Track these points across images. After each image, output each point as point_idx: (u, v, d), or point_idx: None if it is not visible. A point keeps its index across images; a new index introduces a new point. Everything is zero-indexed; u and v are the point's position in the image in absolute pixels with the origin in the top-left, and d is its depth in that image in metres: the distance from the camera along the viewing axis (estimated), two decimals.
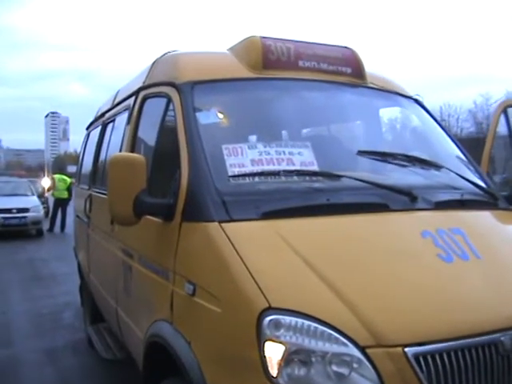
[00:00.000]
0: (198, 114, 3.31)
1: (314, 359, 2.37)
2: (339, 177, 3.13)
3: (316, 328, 2.40)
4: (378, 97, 4.11)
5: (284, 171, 3.10)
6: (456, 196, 3.35)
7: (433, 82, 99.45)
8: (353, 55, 4.09)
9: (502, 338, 2.58)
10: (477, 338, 2.53)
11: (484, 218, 3.40)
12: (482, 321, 2.60)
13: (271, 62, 3.74)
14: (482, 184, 3.70)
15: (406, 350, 2.39)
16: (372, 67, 4.23)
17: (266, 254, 2.65)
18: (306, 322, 2.41)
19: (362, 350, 2.38)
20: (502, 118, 5.08)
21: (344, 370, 2.37)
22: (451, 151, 4.02)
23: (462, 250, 2.87)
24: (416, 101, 4.32)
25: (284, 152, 3.24)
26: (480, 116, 67.87)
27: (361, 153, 3.47)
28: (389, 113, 4.31)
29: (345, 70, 3.98)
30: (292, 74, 3.77)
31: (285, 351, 2.36)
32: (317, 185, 3.07)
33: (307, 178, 3.14)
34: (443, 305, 2.60)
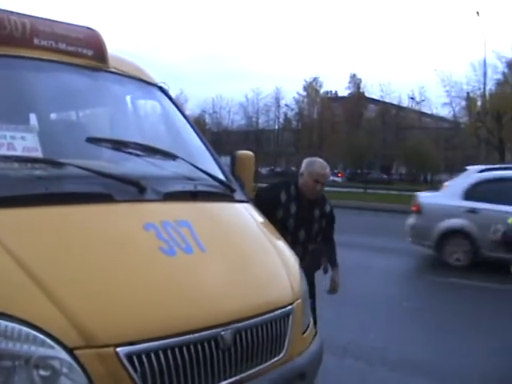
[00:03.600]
0: None
1: (17, 363, 2.17)
2: (62, 165, 2.91)
3: (20, 330, 2.19)
4: (119, 82, 3.93)
5: (1, 157, 2.82)
6: (189, 187, 3.30)
7: (207, 74, 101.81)
8: (96, 37, 3.85)
9: (223, 333, 2.59)
10: (195, 334, 2.50)
11: (214, 210, 3.41)
12: (201, 316, 2.58)
13: (2, 37, 3.41)
14: (221, 176, 3.70)
15: (118, 349, 2.28)
16: (116, 51, 4.05)
17: None
18: (10, 324, 2.19)
19: (71, 351, 2.22)
20: None
21: (51, 375, 2.19)
22: (192, 142, 3.98)
23: (187, 243, 2.83)
24: (161, 88, 4.23)
25: (5, 136, 2.95)
26: (250, 110, 71.24)
27: (93, 140, 3.27)
28: (130, 99, 4.15)
29: (86, 52, 3.74)
30: (26, 52, 3.47)
31: None
32: (37, 172, 2.83)
33: (28, 165, 2.89)
34: (159, 301, 2.53)
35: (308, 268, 4.03)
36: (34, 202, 2.66)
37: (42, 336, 2.21)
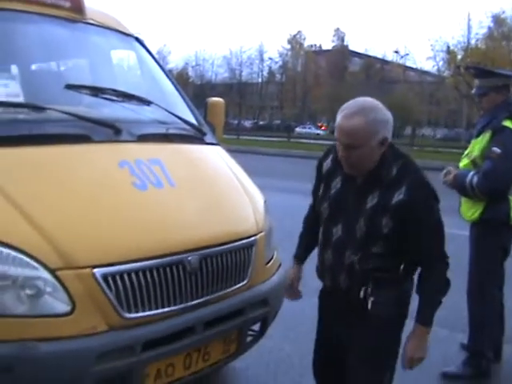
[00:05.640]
0: None
1: (5, 283, 2.45)
2: (43, 109, 3.15)
3: (8, 253, 2.47)
4: (96, 33, 4.12)
5: None
6: (161, 130, 3.56)
7: (190, 27, 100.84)
8: None
9: (190, 258, 2.88)
10: (164, 259, 2.79)
11: (185, 151, 3.67)
12: (170, 242, 2.87)
13: None
14: (192, 120, 3.95)
15: (95, 270, 2.57)
16: (93, 2, 4.22)
17: None
18: None
19: (53, 272, 2.51)
20: None
21: (36, 293, 2.48)
22: (166, 89, 4.22)
23: (158, 178, 3.10)
24: (137, 39, 4.42)
25: None
26: (234, 63, 70.71)
27: (71, 87, 3.50)
28: (107, 49, 4.35)
29: (63, 4, 3.89)
30: (5, 4, 3.64)
31: None
32: (21, 116, 3.07)
33: (11, 109, 3.11)
34: (133, 228, 2.82)
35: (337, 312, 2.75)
36: (17, 143, 2.91)
37: (26, 259, 2.49)
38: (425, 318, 2.59)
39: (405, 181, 2.52)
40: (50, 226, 2.61)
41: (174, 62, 65.30)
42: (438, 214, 2.58)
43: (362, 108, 2.48)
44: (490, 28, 45.35)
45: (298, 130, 61.34)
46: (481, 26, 44.74)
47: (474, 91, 4.39)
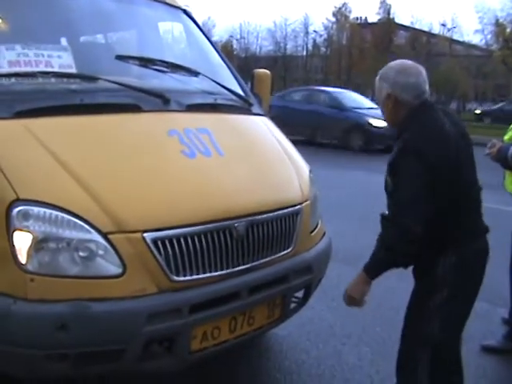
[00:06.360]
0: None
1: (60, 246, 2.57)
2: (95, 79, 3.24)
3: (63, 217, 2.59)
4: (145, 5, 4.21)
5: (40, 73, 3.13)
6: (209, 100, 3.63)
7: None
8: None
9: (237, 225, 2.95)
10: (212, 225, 2.87)
11: (233, 121, 3.72)
12: (218, 209, 2.95)
13: None
14: (239, 91, 4.01)
15: (145, 235, 2.67)
16: None
17: (14, 149, 2.74)
18: (54, 212, 2.58)
19: (105, 236, 2.62)
20: None
21: (89, 255, 2.60)
22: (214, 61, 4.27)
23: (206, 147, 3.17)
24: (185, 11, 4.48)
25: (43, 54, 3.26)
26: (278, 36, 70.14)
27: (121, 58, 3.59)
28: (156, 21, 4.42)
29: None
30: None
31: (33, 239, 2.54)
32: (73, 86, 3.16)
33: (65, 80, 3.21)
34: (181, 194, 2.91)
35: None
36: (70, 112, 3.02)
37: (80, 222, 2.61)
38: (365, 265, 2.73)
39: (398, 143, 2.68)
40: (103, 191, 2.71)
41: (219, 35, 64.96)
42: (407, 180, 2.61)
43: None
44: None
45: None
46: None
47: None
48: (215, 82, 3.81)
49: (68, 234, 2.59)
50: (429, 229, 2.58)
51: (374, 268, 2.71)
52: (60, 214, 2.59)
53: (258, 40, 72.22)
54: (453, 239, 2.72)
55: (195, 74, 3.79)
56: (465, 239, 2.73)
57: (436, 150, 2.61)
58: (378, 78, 2.84)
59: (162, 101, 3.30)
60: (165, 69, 3.67)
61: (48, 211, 2.58)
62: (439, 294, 2.71)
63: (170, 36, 4.77)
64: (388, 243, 2.65)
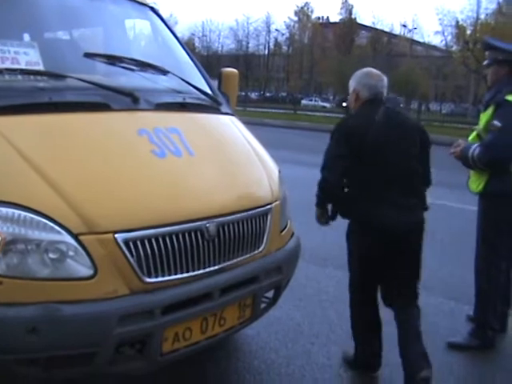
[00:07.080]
0: None
1: (29, 247, 2.52)
2: (63, 77, 3.19)
3: (32, 218, 2.54)
4: (112, 2, 4.16)
5: (7, 69, 3.07)
6: (178, 99, 3.59)
7: None
8: None
9: (208, 225, 2.94)
10: (184, 225, 2.85)
11: (202, 120, 3.70)
12: (189, 209, 2.93)
13: None
14: (208, 90, 3.99)
15: (116, 236, 2.63)
16: None
17: None
18: (23, 213, 2.53)
19: (76, 237, 2.57)
20: None
21: (59, 257, 2.55)
22: (182, 59, 4.24)
23: (176, 147, 3.14)
24: (152, 8, 4.44)
25: (9, 51, 3.20)
26: (241, 34, 70.30)
27: (89, 55, 3.53)
28: (123, 19, 4.36)
29: None
30: None
31: (1, 241, 2.48)
32: (41, 84, 3.10)
33: (32, 77, 3.15)
34: (152, 195, 2.87)
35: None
36: (38, 110, 2.96)
37: (50, 223, 2.56)
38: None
39: None
40: (73, 191, 2.66)
41: (181, 33, 64.71)
42: (331, 147, 3.55)
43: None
44: (499, 3, 44.93)
45: (303, 102, 61.17)
46: (490, 1, 44.37)
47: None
48: (184, 80, 3.78)
49: (37, 235, 2.54)
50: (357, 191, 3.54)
51: (318, 204, 3.70)
52: (29, 215, 2.54)
53: (219, 38, 72.31)
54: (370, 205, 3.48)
55: (164, 72, 3.75)
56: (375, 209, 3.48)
57: (355, 129, 3.51)
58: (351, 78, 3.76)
59: (131, 99, 3.26)
60: (133, 67, 3.62)
61: (16, 212, 2.53)
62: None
63: (137, 33, 4.71)
64: (317, 189, 3.57)
